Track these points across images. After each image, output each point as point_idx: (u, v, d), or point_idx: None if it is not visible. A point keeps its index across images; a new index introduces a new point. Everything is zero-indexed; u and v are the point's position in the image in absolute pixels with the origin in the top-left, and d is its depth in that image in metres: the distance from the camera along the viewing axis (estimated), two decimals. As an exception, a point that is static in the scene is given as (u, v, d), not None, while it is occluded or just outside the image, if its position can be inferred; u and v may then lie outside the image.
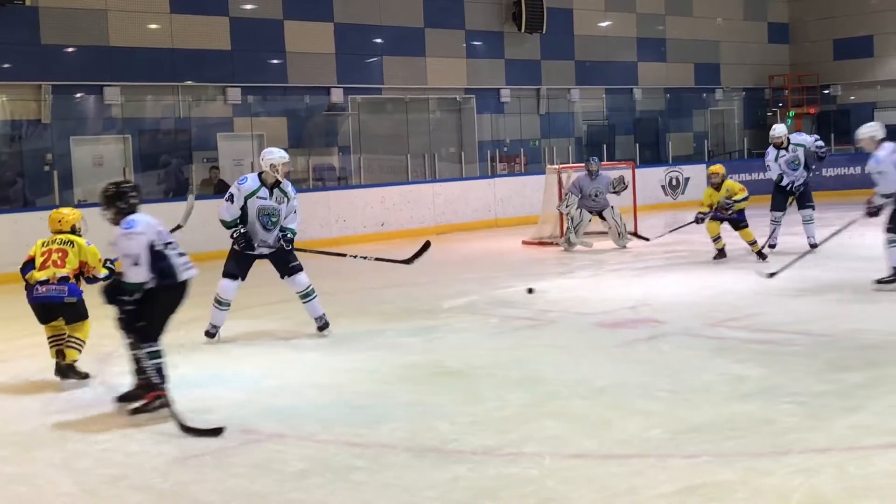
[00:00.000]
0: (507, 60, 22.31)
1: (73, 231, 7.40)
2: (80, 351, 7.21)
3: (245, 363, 7.65)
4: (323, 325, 8.61)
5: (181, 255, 6.26)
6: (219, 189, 16.71)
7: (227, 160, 18.20)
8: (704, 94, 26.44)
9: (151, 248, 6.08)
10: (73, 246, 7.26)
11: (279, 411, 6.17)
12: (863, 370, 6.45)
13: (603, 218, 14.16)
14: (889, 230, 9.69)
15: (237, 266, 8.47)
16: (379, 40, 20.34)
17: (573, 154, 22.67)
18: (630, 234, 14.35)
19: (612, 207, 14.22)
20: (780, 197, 12.85)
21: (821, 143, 12.74)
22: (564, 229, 14.44)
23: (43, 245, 7.29)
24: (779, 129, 12.84)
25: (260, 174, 8.45)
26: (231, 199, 8.31)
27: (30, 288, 7.14)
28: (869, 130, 9.86)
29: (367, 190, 18.02)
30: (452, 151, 21.19)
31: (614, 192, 14.30)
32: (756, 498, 4.35)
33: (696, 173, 21.78)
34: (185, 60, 17.73)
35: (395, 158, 19.88)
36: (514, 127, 22.77)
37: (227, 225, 8.36)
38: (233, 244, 8.42)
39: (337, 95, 19.61)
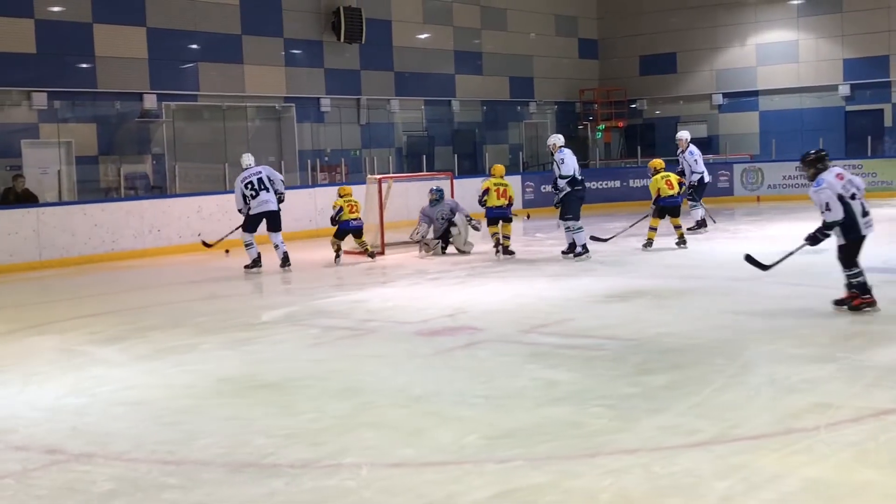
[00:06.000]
0: (326, 69, 22.25)
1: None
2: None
3: (50, 380, 7.29)
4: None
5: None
6: (24, 198, 15.91)
7: (32, 168, 17.33)
8: (519, 107, 27.15)
9: (840, 198, 8.22)
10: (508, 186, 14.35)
11: (86, 430, 5.92)
12: (666, 373, 6.75)
13: (454, 224, 14.86)
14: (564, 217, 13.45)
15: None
16: (194, 46, 19.90)
17: (393, 164, 22.82)
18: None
19: (466, 215, 14.97)
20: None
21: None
22: (425, 241, 15.06)
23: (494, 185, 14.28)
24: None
25: None
26: None
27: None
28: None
29: (183, 199, 17.55)
30: (272, 160, 20.90)
31: (475, 230, 15.03)
32: (567, 500, 4.48)
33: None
34: (-14, 63, 16.85)
35: (212, 167, 19.46)
36: (335, 136, 22.72)
37: None
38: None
39: (150, 101, 19.06)
